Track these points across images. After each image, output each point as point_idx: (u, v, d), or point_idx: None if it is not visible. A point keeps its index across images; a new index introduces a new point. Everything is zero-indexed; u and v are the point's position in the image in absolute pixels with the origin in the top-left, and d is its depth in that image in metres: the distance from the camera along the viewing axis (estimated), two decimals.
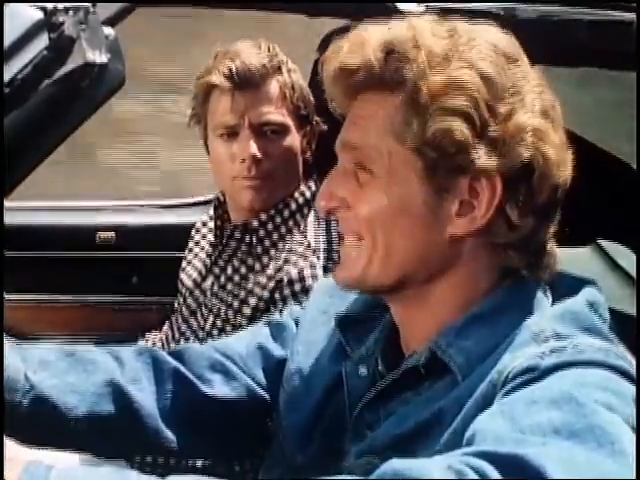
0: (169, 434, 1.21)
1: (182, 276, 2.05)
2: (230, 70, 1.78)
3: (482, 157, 1.01)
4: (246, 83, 1.79)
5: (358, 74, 1.05)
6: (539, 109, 1.04)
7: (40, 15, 1.25)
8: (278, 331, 1.30)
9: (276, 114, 1.81)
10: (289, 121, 1.83)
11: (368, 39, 1.04)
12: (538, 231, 1.06)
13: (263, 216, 1.86)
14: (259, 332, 1.31)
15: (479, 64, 1.02)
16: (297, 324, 1.28)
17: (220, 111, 1.82)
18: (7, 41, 1.24)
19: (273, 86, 1.81)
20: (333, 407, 1.16)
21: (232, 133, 1.81)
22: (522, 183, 1.03)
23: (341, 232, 1.12)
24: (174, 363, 1.24)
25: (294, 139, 1.85)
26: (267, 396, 1.26)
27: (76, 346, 1.22)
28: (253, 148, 1.79)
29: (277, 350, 1.28)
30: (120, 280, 2.45)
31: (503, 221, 1.04)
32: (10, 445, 0.87)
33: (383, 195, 1.05)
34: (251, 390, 1.25)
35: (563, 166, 1.06)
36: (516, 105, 1.02)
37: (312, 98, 1.88)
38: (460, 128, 1.00)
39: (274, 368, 1.26)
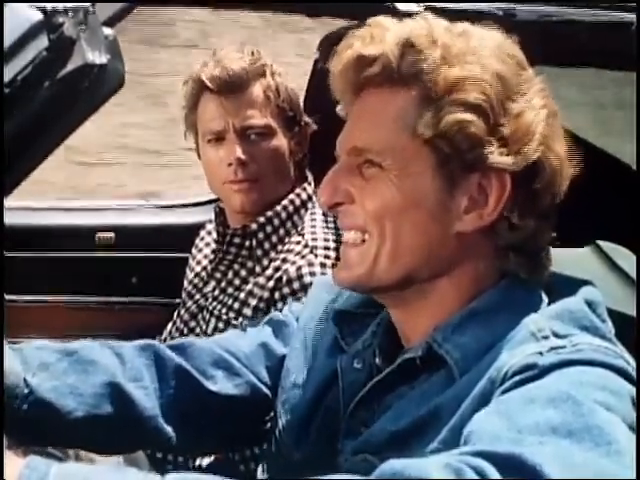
0: (169, 430, 1.21)
1: (185, 283, 2.07)
2: (213, 76, 1.82)
3: (495, 153, 1.02)
4: (229, 88, 1.83)
5: (374, 66, 1.05)
6: (545, 114, 1.05)
7: (40, 16, 1.25)
8: (280, 328, 1.30)
9: (259, 117, 1.85)
10: (274, 124, 1.86)
11: (385, 33, 1.05)
12: (537, 234, 1.07)
13: (261, 219, 1.88)
14: (261, 329, 1.32)
15: (492, 63, 1.03)
16: (297, 321, 1.28)
17: (207, 117, 1.87)
18: (7, 41, 1.24)
19: (256, 89, 1.84)
20: (328, 402, 1.16)
21: (219, 138, 1.86)
22: (526, 185, 1.04)
23: (342, 229, 1.11)
24: (177, 359, 1.23)
25: (280, 141, 1.88)
26: (269, 393, 1.27)
27: (78, 342, 1.22)
28: (238, 152, 1.83)
29: (279, 347, 1.28)
30: (120, 280, 2.45)
31: (505, 222, 1.05)
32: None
33: (393, 188, 1.04)
34: (254, 387, 1.26)
35: (566, 173, 1.07)
36: (525, 106, 1.03)
37: (300, 100, 1.91)
38: (474, 121, 1.01)
39: (277, 366, 1.27)
